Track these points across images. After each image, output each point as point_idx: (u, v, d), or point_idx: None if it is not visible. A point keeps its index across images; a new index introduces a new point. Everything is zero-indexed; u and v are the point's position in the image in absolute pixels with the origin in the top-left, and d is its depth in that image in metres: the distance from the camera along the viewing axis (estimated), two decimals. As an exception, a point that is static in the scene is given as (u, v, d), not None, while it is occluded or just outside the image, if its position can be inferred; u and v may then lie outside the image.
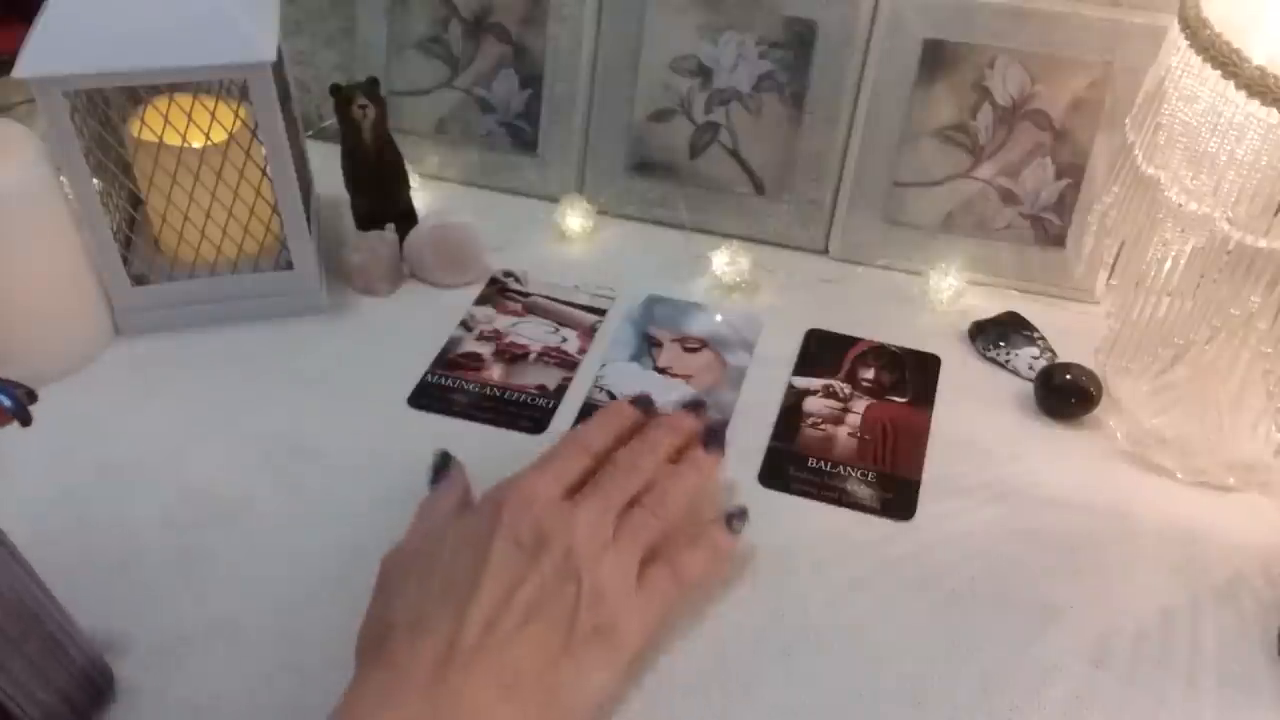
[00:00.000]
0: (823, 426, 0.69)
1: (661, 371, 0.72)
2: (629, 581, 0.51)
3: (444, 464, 0.60)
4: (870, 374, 0.73)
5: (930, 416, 0.70)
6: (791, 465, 0.66)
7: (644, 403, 0.61)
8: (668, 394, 0.70)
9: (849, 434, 0.68)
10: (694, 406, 0.61)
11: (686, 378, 0.72)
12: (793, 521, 0.63)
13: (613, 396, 0.70)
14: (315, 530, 0.61)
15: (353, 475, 0.64)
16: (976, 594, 0.59)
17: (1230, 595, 0.59)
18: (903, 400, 0.71)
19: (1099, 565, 0.61)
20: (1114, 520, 0.63)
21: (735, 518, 0.57)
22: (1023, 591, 0.59)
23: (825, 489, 0.64)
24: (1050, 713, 0.53)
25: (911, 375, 0.73)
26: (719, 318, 0.77)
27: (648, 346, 0.74)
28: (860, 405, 0.70)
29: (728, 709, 0.53)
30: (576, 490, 0.53)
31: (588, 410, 0.69)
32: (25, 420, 0.46)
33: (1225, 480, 0.65)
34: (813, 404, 0.70)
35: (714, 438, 0.59)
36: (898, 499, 0.64)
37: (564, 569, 0.49)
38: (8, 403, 0.46)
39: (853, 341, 0.75)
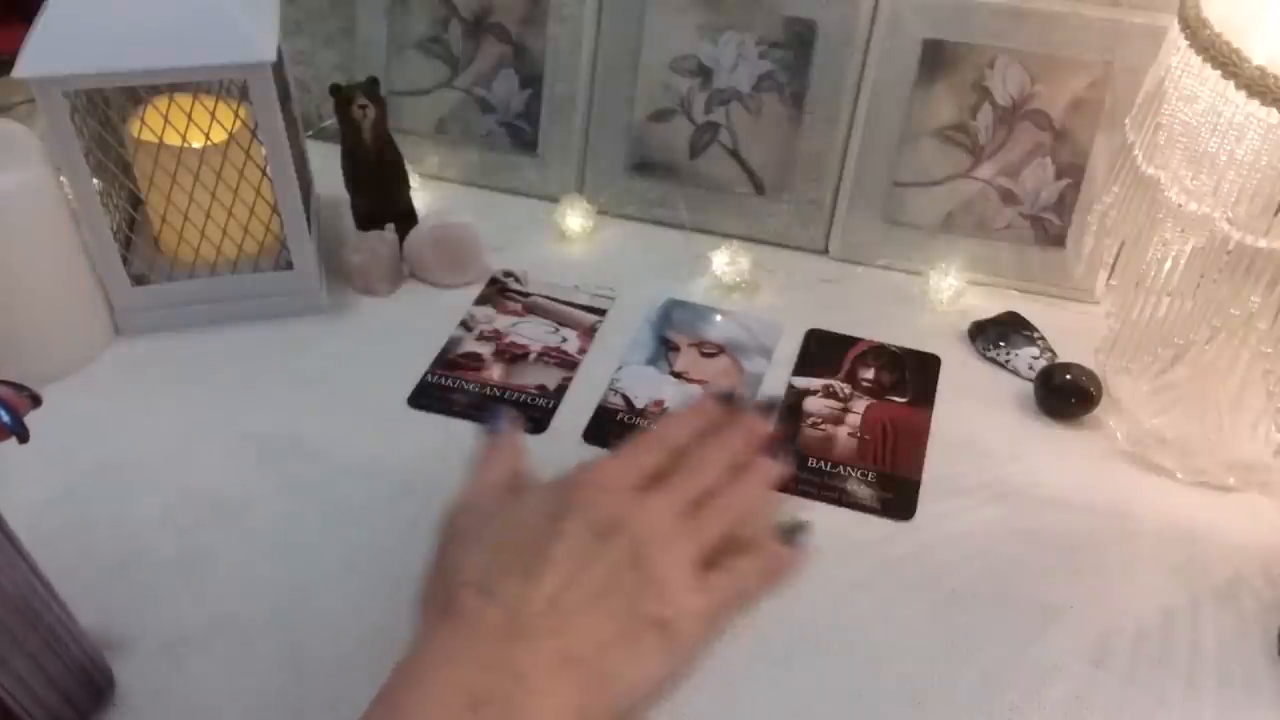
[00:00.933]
0: (823, 426, 0.69)
1: (678, 376, 0.72)
2: (690, 578, 0.51)
3: (496, 416, 0.60)
4: (870, 374, 0.73)
5: (930, 416, 0.70)
6: (792, 465, 0.66)
7: (727, 398, 0.61)
8: (684, 398, 0.70)
9: (849, 434, 0.68)
10: (767, 409, 0.61)
11: (702, 383, 0.72)
12: (793, 522, 0.62)
13: (628, 400, 0.70)
14: (315, 530, 0.61)
15: (353, 475, 0.64)
16: (976, 594, 0.59)
17: (1230, 595, 0.59)
18: (903, 400, 0.71)
19: (1099, 565, 0.61)
20: (1114, 520, 0.63)
21: (795, 531, 0.57)
22: (1023, 591, 0.59)
23: (825, 489, 0.64)
24: (1050, 713, 0.53)
25: (911, 375, 0.73)
26: (735, 323, 0.77)
27: (665, 350, 0.74)
28: (860, 405, 0.70)
29: (728, 709, 0.53)
30: (650, 482, 0.54)
31: (601, 414, 0.69)
32: (23, 437, 0.46)
33: (1225, 480, 0.65)
34: (813, 404, 0.70)
35: (780, 448, 0.60)
36: (898, 499, 0.64)
37: (631, 556, 0.49)
38: (6, 418, 0.45)
39: (853, 341, 0.75)
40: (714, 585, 0.52)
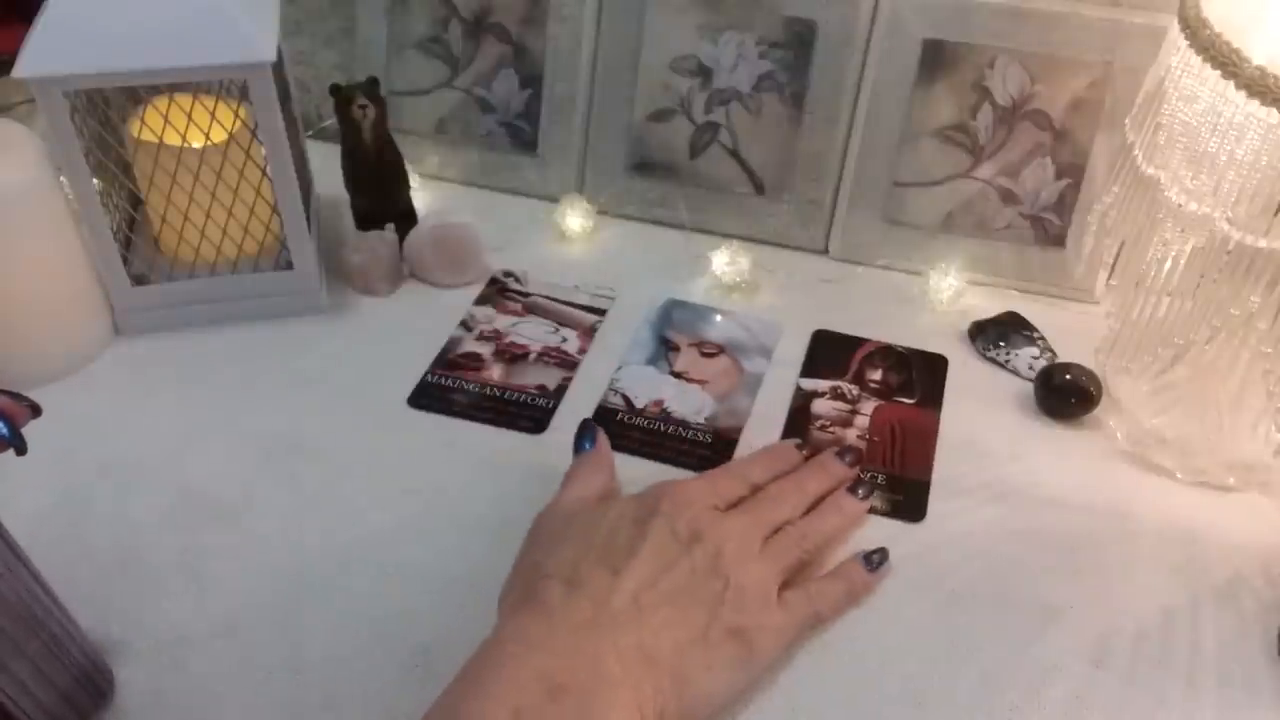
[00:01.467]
0: (831, 429, 0.69)
1: (678, 376, 0.72)
2: (770, 593, 0.53)
3: (589, 432, 0.63)
4: (878, 375, 0.73)
5: (939, 417, 0.70)
6: (799, 467, 0.66)
7: (803, 446, 0.65)
8: (684, 398, 0.70)
9: (858, 436, 0.68)
10: (845, 454, 0.64)
11: (703, 383, 0.72)
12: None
13: (628, 400, 0.70)
14: (315, 530, 0.61)
15: (353, 475, 0.64)
16: (977, 594, 0.59)
17: (1230, 595, 0.59)
18: (911, 401, 0.71)
19: (1099, 565, 0.61)
20: (1114, 520, 0.64)
21: (875, 555, 0.59)
22: (1023, 591, 0.59)
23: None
24: (1050, 713, 0.53)
25: (919, 376, 0.73)
26: (735, 323, 0.77)
27: (665, 350, 0.74)
28: (868, 407, 0.70)
29: (729, 708, 0.53)
30: (730, 507, 0.57)
31: (601, 414, 0.69)
32: (21, 449, 0.46)
33: (1225, 480, 0.65)
34: (821, 406, 0.70)
35: (863, 486, 0.63)
36: (908, 501, 0.64)
37: (713, 565, 0.52)
38: (3, 430, 0.45)
39: (859, 342, 0.75)
40: (792, 603, 0.54)
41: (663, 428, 0.68)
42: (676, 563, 0.51)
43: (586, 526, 0.53)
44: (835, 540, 0.60)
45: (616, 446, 0.66)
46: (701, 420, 0.69)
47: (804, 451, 0.64)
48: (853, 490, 0.62)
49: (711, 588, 0.51)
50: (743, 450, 0.67)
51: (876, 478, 0.65)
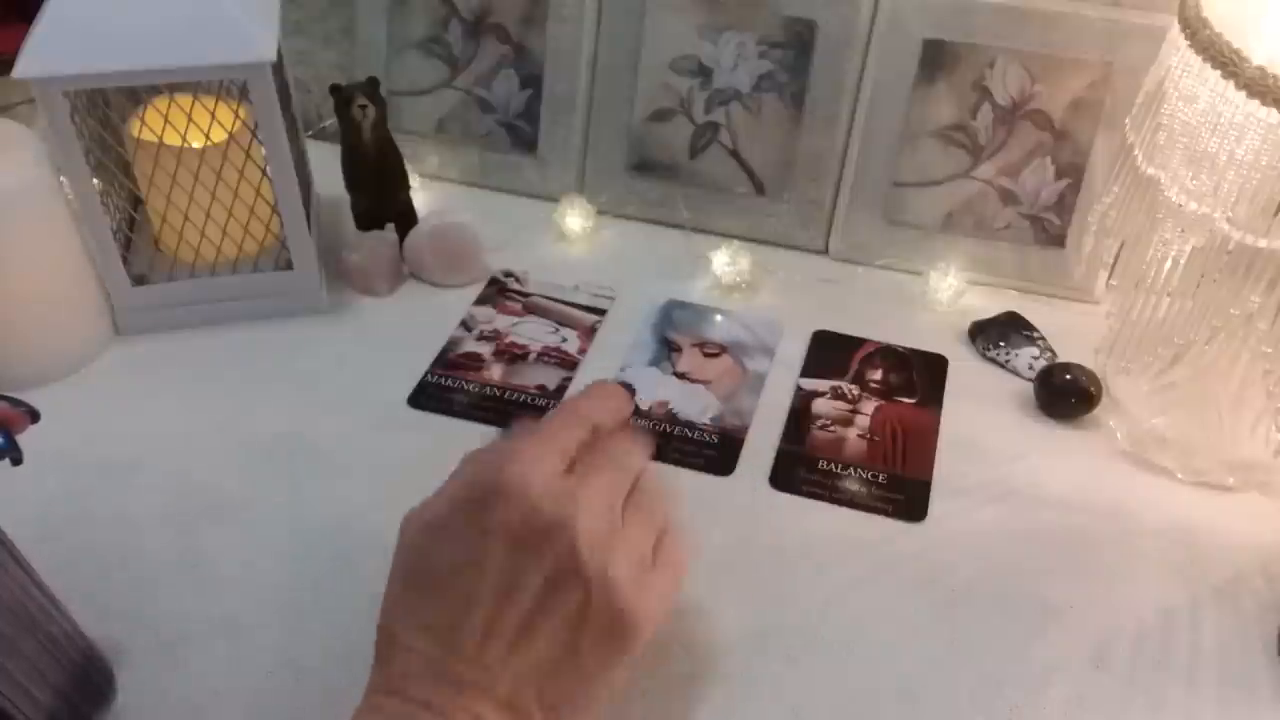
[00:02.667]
0: (832, 428, 0.69)
1: (681, 376, 0.72)
2: (643, 569, 0.46)
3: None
4: (878, 375, 0.73)
5: (939, 417, 0.70)
6: (802, 468, 0.66)
7: (630, 390, 0.58)
8: (689, 399, 0.70)
9: (858, 435, 0.68)
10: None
11: (705, 383, 0.72)
12: (803, 524, 0.62)
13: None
14: (315, 530, 0.61)
15: (353, 475, 0.64)
16: (977, 594, 0.59)
17: (1230, 595, 0.59)
18: (911, 401, 0.71)
19: (1099, 565, 0.61)
20: (1114, 520, 0.63)
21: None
22: (1023, 591, 0.59)
23: (836, 491, 0.64)
24: (1050, 713, 0.53)
25: (919, 376, 0.73)
26: (736, 323, 0.77)
27: (667, 351, 0.74)
28: (869, 406, 0.70)
29: (728, 708, 0.53)
30: (578, 471, 0.47)
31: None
32: (16, 459, 0.46)
33: (1225, 480, 0.65)
34: (821, 406, 0.70)
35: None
36: (909, 500, 0.64)
37: (570, 566, 0.43)
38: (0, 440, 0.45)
39: (860, 343, 0.75)
40: (666, 564, 0.47)
41: (669, 429, 0.68)
42: (524, 581, 0.43)
43: (429, 562, 0.46)
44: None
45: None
46: (707, 421, 0.69)
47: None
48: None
49: (573, 596, 0.43)
50: (748, 452, 0.67)
51: (877, 476, 0.65)
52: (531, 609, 0.43)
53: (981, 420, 0.70)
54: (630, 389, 0.58)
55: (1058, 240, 0.78)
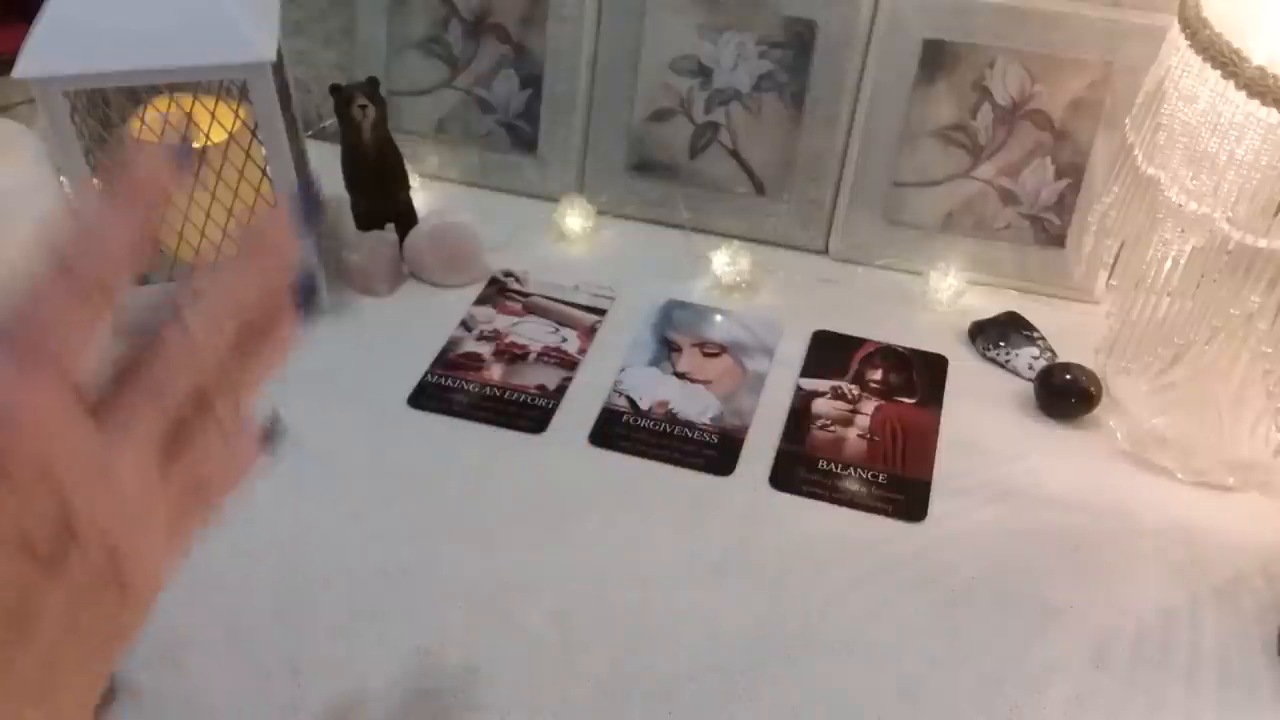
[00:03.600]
0: (832, 428, 0.69)
1: (681, 376, 0.72)
2: (161, 548, 0.34)
3: None
4: (878, 375, 0.73)
5: (939, 417, 0.70)
6: (802, 468, 0.66)
7: (183, 154, 0.33)
8: (689, 399, 0.70)
9: (858, 435, 0.68)
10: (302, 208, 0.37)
11: (705, 383, 0.72)
12: (803, 524, 0.62)
13: (632, 401, 0.70)
14: (315, 530, 0.61)
15: (353, 475, 0.64)
16: (977, 594, 0.59)
17: (1230, 595, 0.59)
18: (911, 401, 0.71)
19: (1099, 565, 0.61)
20: (1114, 520, 0.63)
21: (273, 434, 0.39)
22: (1023, 591, 0.59)
23: (836, 491, 0.64)
24: (1050, 713, 0.53)
25: (919, 376, 0.73)
26: (736, 323, 0.77)
27: (667, 351, 0.74)
28: (869, 406, 0.70)
29: (729, 708, 0.53)
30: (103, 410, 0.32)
31: (606, 415, 0.69)
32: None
33: (1225, 480, 0.65)
34: (821, 405, 0.70)
35: (306, 296, 0.37)
36: (909, 500, 0.64)
37: (103, 568, 0.32)
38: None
39: (860, 343, 0.75)
40: (183, 519, 0.35)
41: (669, 429, 0.68)
42: (36, 605, 0.30)
43: None
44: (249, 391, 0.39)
45: (623, 448, 0.67)
46: (707, 420, 0.69)
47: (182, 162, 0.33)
48: (295, 297, 0.37)
49: (105, 606, 0.32)
50: (748, 452, 0.67)
51: (878, 476, 0.65)
52: (40, 651, 0.31)
53: (981, 420, 0.70)
54: (185, 153, 0.33)
55: (1058, 240, 0.78)
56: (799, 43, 0.78)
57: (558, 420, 0.69)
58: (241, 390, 0.37)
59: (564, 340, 0.75)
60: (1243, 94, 0.53)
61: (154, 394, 0.34)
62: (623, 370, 0.72)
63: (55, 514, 0.30)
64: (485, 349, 0.74)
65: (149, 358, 0.34)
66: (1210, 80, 0.55)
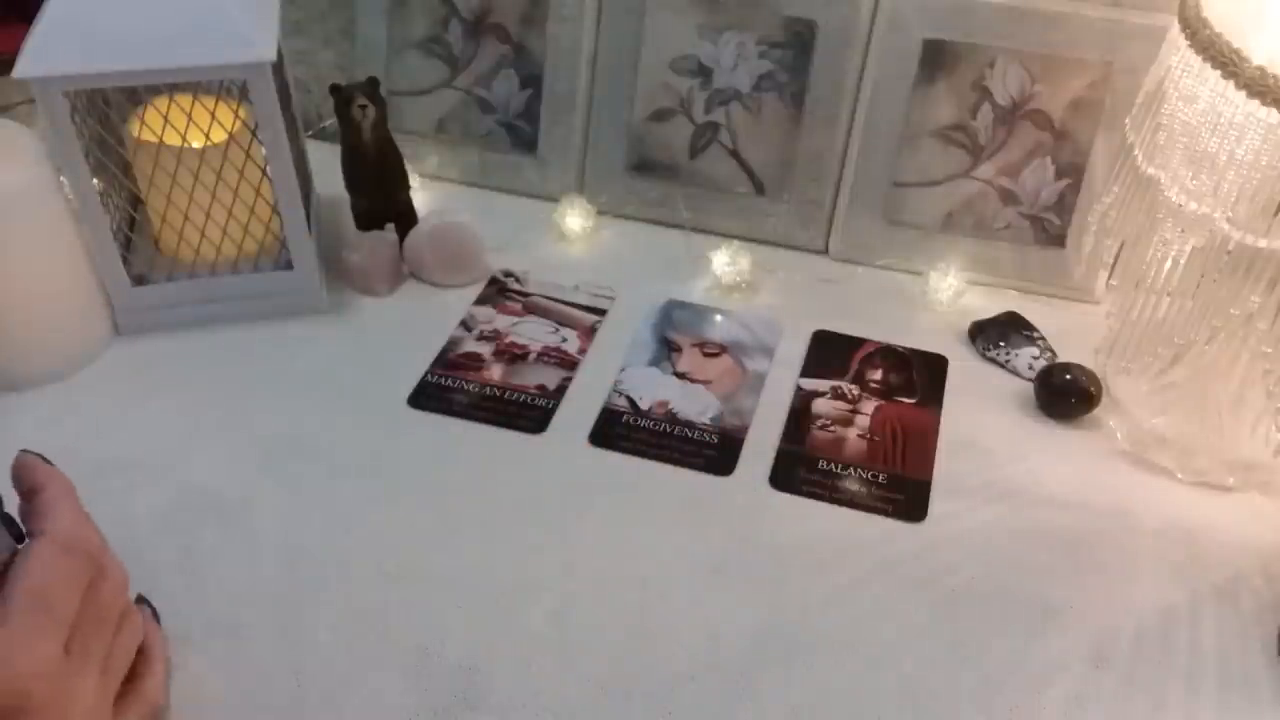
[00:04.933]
0: (832, 428, 0.69)
1: (681, 376, 0.72)
2: None
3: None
4: (878, 375, 0.73)
5: (939, 417, 0.70)
6: (802, 468, 0.66)
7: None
8: (689, 399, 0.70)
9: (858, 435, 0.68)
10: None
11: (706, 383, 0.72)
12: (803, 524, 0.62)
13: (632, 401, 0.70)
14: (315, 530, 0.61)
15: (353, 475, 0.64)
16: (977, 594, 0.59)
17: (1230, 595, 0.59)
18: (911, 401, 0.71)
19: (1099, 565, 0.61)
20: (1114, 520, 0.64)
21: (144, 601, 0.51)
22: (1023, 591, 0.59)
23: (836, 491, 0.64)
24: (1050, 713, 0.53)
25: (919, 376, 0.73)
26: (736, 322, 0.77)
27: (667, 351, 0.74)
28: (869, 406, 0.70)
29: (729, 708, 0.53)
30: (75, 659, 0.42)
31: (606, 415, 0.69)
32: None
33: (1225, 480, 0.65)
34: (821, 405, 0.70)
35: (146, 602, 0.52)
36: (909, 500, 0.64)
37: None
38: None
39: (859, 343, 0.75)
40: None
41: (669, 429, 0.68)
42: None
43: None
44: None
45: (623, 448, 0.67)
46: (707, 420, 0.69)
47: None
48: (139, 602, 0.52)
49: None
50: (748, 452, 0.67)
51: (877, 476, 0.65)
52: None
53: (981, 420, 0.70)
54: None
55: (1058, 240, 0.78)
56: (799, 43, 0.78)
57: (558, 420, 0.69)
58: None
59: (564, 340, 0.75)
60: (1243, 94, 0.53)
61: (102, 625, 0.43)
62: (623, 370, 0.72)
63: None
64: (485, 349, 0.74)
65: (91, 596, 0.43)
66: (1210, 80, 0.55)
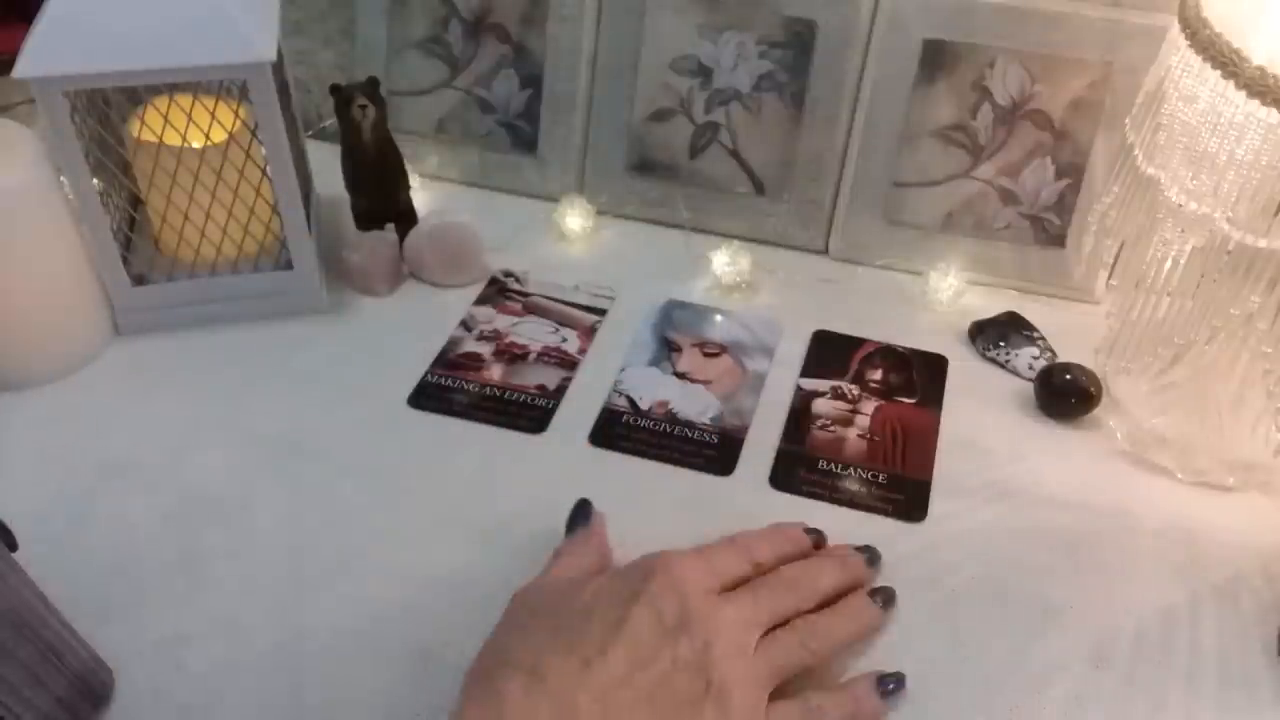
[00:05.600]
0: (832, 428, 0.69)
1: (681, 376, 0.72)
2: (759, 700, 0.47)
3: (584, 511, 0.58)
4: (878, 375, 0.73)
5: (939, 417, 0.70)
6: (801, 468, 0.66)
7: (815, 534, 0.58)
8: (689, 399, 0.70)
9: (858, 435, 0.68)
10: (871, 556, 0.57)
11: (706, 383, 0.72)
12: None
13: (632, 401, 0.70)
14: (315, 530, 0.61)
15: (353, 475, 0.64)
16: (977, 594, 0.59)
17: (1230, 595, 0.59)
18: (911, 401, 0.71)
19: (1099, 565, 0.61)
20: (1114, 520, 0.64)
21: (891, 680, 0.52)
22: (1023, 591, 0.59)
23: (836, 491, 0.64)
24: (1050, 713, 0.53)
25: (919, 376, 0.73)
26: (736, 322, 0.77)
27: (667, 351, 0.74)
28: (869, 406, 0.70)
29: (728, 709, 0.53)
30: (729, 590, 0.50)
31: (606, 415, 0.69)
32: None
33: (1225, 480, 0.65)
34: (821, 405, 0.70)
35: (882, 593, 0.56)
36: (909, 500, 0.64)
37: (698, 661, 0.45)
38: None
39: (859, 343, 0.75)
40: (782, 715, 0.47)
41: (669, 429, 0.68)
42: (657, 656, 0.45)
43: (561, 608, 0.48)
44: (843, 647, 0.53)
45: (622, 448, 0.67)
46: (707, 421, 0.69)
47: (813, 538, 0.58)
48: (872, 595, 0.56)
49: (694, 687, 0.45)
50: (748, 452, 0.67)
51: (877, 476, 0.65)
52: (655, 685, 0.44)
53: (981, 420, 0.70)
54: (817, 533, 0.58)
55: (1058, 240, 0.78)
56: (799, 43, 0.78)
57: (558, 420, 0.69)
58: (835, 647, 0.52)
59: (564, 340, 0.75)
60: (1243, 94, 0.53)
61: (769, 596, 0.51)
62: (623, 370, 0.72)
63: (678, 613, 0.47)
64: (485, 349, 0.74)
65: (766, 578, 0.52)
66: (1210, 80, 0.55)
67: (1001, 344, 0.75)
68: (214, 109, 0.69)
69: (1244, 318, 0.58)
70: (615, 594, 0.47)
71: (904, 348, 0.75)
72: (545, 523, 0.62)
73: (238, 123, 0.70)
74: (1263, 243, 0.55)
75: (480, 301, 0.78)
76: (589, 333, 0.75)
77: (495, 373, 0.72)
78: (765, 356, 0.74)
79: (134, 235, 0.76)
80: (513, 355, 0.73)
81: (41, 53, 0.62)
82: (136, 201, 0.75)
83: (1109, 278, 0.75)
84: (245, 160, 0.70)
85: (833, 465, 0.66)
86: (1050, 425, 0.70)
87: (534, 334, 0.75)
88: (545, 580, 0.53)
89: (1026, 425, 0.70)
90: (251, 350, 0.73)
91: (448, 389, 0.70)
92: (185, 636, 0.55)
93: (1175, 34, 0.58)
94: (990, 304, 0.78)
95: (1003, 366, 0.74)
